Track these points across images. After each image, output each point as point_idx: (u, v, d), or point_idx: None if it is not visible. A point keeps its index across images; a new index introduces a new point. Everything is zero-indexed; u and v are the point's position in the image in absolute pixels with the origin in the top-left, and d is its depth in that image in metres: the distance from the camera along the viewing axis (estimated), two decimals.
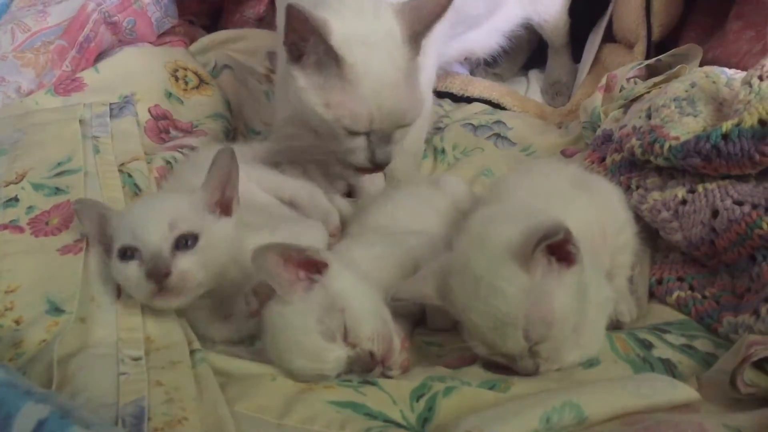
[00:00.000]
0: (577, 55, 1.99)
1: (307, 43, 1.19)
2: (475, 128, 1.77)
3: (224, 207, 1.07)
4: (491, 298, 0.89)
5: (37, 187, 1.17)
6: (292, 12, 1.14)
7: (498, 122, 1.77)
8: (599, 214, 1.13)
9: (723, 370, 0.90)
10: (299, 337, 0.94)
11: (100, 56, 1.69)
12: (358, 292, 0.97)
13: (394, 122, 1.24)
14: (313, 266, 0.97)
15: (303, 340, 0.94)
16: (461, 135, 1.75)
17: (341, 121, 1.21)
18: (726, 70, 1.41)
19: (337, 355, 0.94)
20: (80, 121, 1.35)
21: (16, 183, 1.18)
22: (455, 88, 1.89)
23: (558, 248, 0.89)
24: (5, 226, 1.09)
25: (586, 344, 0.98)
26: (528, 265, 0.88)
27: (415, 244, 1.14)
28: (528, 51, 2.08)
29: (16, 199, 1.15)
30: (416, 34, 1.24)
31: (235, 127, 1.73)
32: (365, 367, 0.95)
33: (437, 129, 1.78)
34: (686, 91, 1.32)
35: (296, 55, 1.22)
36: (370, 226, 1.24)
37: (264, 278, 0.96)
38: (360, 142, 1.24)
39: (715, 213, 1.10)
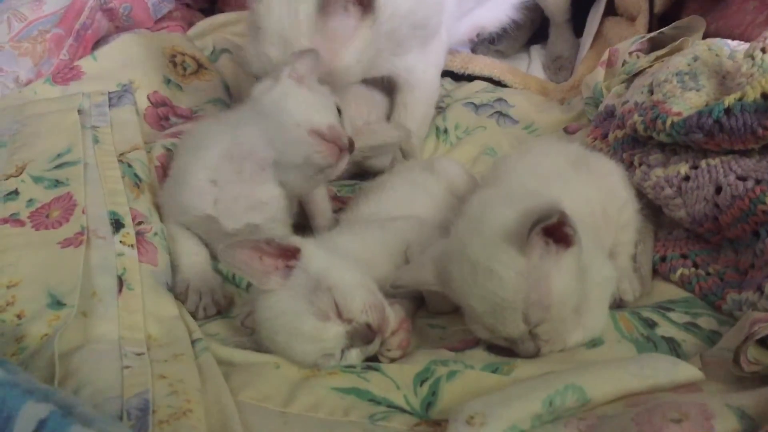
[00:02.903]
0: (578, 29, 1.97)
1: None
2: (476, 107, 1.76)
3: None
4: (489, 283, 0.89)
5: (37, 179, 1.17)
6: None
7: (499, 100, 1.76)
8: (600, 192, 1.13)
9: (727, 348, 0.89)
10: (294, 322, 0.94)
11: (98, 43, 1.69)
12: (338, 268, 0.98)
13: None
14: (287, 253, 0.97)
15: (299, 325, 0.94)
16: (463, 114, 1.74)
17: (246, 65, 1.29)
18: (729, 42, 1.39)
19: (335, 331, 0.94)
20: (79, 111, 1.35)
21: (16, 176, 1.18)
22: (456, 66, 1.88)
23: (554, 230, 0.89)
24: (6, 220, 1.09)
25: (589, 324, 0.98)
26: (524, 249, 0.88)
27: (403, 227, 1.15)
28: (531, 29, 2.05)
29: (16, 192, 1.15)
30: None
31: None
32: (365, 339, 0.96)
33: (439, 109, 1.77)
34: (688, 65, 1.30)
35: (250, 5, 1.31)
36: (363, 212, 1.24)
37: (237, 273, 0.99)
38: None
39: (718, 189, 1.09)
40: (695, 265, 1.11)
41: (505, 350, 0.96)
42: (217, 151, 1.16)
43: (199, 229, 1.20)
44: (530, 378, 0.86)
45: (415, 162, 1.40)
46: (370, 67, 1.38)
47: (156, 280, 1.10)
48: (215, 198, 1.15)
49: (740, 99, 1.07)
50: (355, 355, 0.96)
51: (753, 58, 1.16)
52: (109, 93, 1.45)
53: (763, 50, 1.15)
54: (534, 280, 0.89)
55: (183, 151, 1.25)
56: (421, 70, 1.57)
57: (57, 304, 0.96)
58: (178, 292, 1.11)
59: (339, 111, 1.16)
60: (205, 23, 1.91)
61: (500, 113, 1.72)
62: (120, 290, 1.03)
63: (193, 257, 1.18)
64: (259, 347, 1.00)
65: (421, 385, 0.90)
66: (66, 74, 1.54)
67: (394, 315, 1.00)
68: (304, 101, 1.14)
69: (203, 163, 1.16)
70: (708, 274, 1.09)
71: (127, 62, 1.60)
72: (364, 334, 0.95)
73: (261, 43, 1.28)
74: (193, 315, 1.09)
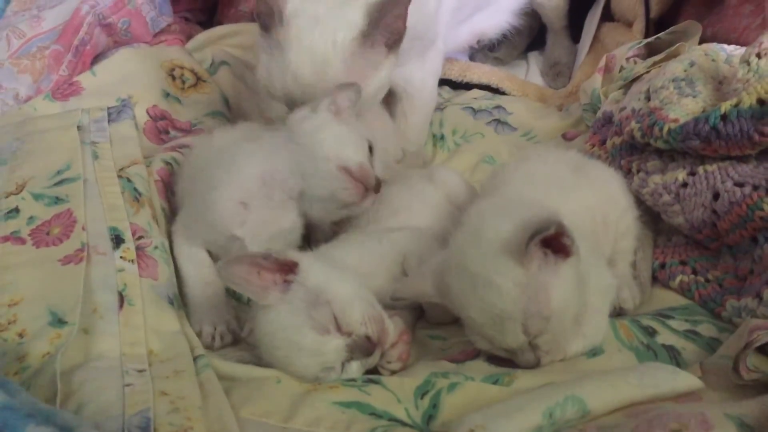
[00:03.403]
0: (576, 35, 1.97)
1: (272, 13, 1.26)
2: (474, 111, 1.76)
3: None
4: (488, 294, 0.89)
5: (37, 197, 1.17)
6: None
7: (498, 107, 1.76)
8: (599, 200, 1.13)
9: (726, 356, 0.90)
10: (294, 337, 0.95)
11: (97, 58, 1.69)
12: (336, 281, 0.99)
13: (309, 98, 1.26)
14: (285, 268, 0.98)
15: (299, 339, 0.95)
16: (460, 118, 1.74)
17: (262, 82, 1.28)
18: (725, 46, 1.39)
19: (335, 344, 0.95)
20: (78, 127, 1.35)
21: (17, 194, 1.18)
22: (454, 74, 1.88)
23: (552, 241, 0.89)
24: (7, 238, 1.09)
25: (589, 333, 0.99)
26: (523, 260, 0.88)
27: (400, 238, 1.15)
28: (529, 36, 2.06)
29: (16, 210, 1.15)
30: (379, 34, 1.26)
31: (234, 124, 1.73)
32: (365, 351, 0.96)
33: (435, 111, 1.76)
34: (685, 71, 1.31)
35: (265, 26, 1.28)
36: (362, 223, 1.24)
37: (235, 288, 0.99)
38: (278, 108, 1.30)
39: (716, 195, 1.09)
40: (694, 272, 1.11)
41: (506, 361, 0.96)
42: (251, 173, 1.15)
43: (218, 249, 1.19)
44: (530, 389, 0.86)
45: (414, 172, 1.40)
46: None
47: (157, 294, 1.10)
48: (244, 220, 1.14)
49: (736, 105, 1.07)
50: (355, 368, 0.97)
51: (748, 63, 1.16)
52: (108, 108, 1.45)
53: (758, 55, 1.15)
54: (533, 291, 0.89)
55: (207, 166, 1.22)
56: (419, 79, 1.58)
57: (58, 322, 0.96)
58: (196, 330, 1.10)
59: (371, 149, 1.17)
60: (203, 36, 1.92)
61: (498, 121, 1.72)
62: (121, 306, 1.03)
63: (208, 288, 1.16)
64: (260, 361, 1.00)
65: (421, 398, 0.91)
66: (65, 90, 1.54)
67: (393, 327, 1.00)
68: (338, 136, 1.14)
69: (237, 183, 1.15)
70: (707, 280, 1.09)
71: (126, 77, 1.60)
72: (363, 347, 0.96)
73: (288, 65, 1.26)
74: (209, 347, 1.08)
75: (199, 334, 1.09)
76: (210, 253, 1.20)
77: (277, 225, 1.17)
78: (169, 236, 1.23)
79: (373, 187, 1.13)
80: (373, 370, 1.00)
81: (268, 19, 1.27)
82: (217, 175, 1.17)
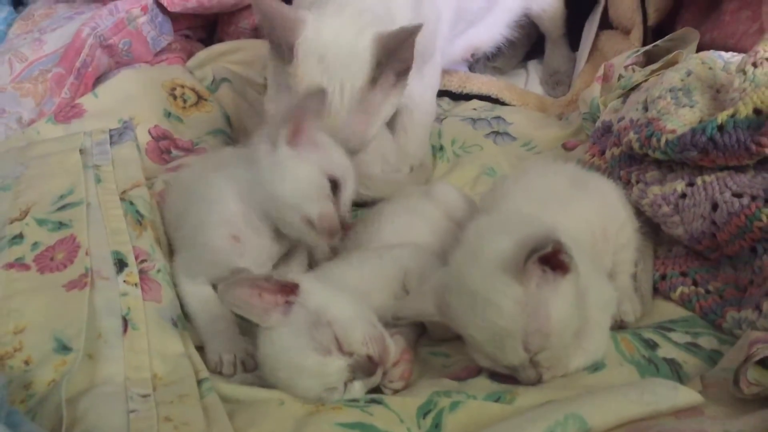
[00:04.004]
0: (574, 43, 1.98)
1: (281, 47, 1.22)
2: (474, 121, 1.76)
3: None
4: (487, 313, 0.89)
5: (41, 222, 1.18)
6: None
7: (497, 118, 1.76)
8: (598, 213, 1.13)
9: (727, 369, 0.90)
10: (296, 358, 0.95)
11: (98, 80, 1.71)
12: (336, 302, 0.99)
13: None
14: (286, 289, 0.98)
15: (301, 361, 0.95)
16: (459, 129, 1.75)
17: (270, 112, 1.27)
18: (723, 53, 1.40)
19: (337, 365, 0.95)
20: (81, 150, 1.36)
21: (21, 219, 1.19)
22: (453, 85, 1.89)
23: (551, 258, 0.89)
24: (11, 265, 1.10)
25: (590, 348, 0.99)
26: (521, 278, 0.89)
27: (400, 255, 1.16)
28: (527, 45, 2.07)
29: (21, 236, 1.15)
30: (389, 66, 1.24)
31: (236, 140, 1.74)
32: (367, 371, 0.97)
33: (435, 122, 1.76)
34: (682, 80, 1.31)
35: (277, 54, 1.26)
36: (362, 240, 1.25)
37: (237, 311, 0.99)
38: None
39: (714, 206, 1.09)
40: (695, 283, 1.11)
41: (509, 377, 0.97)
42: (232, 210, 1.15)
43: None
44: (531, 409, 0.87)
45: (413, 189, 1.40)
46: None
47: (161, 317, 1.10)
48: (241, 252, 1.15)
49: (733, 115, 1.08)
50: (358, 388, 0.97)
51: (745, 72, 1.16)
52: (110, 130, 1.46)
53: (754, 65, 1.16)
54: (532, 308, 0.89)
55: (189, 205, 1.21)
56: (418, 94, 1.59)
57: (63, 348, 0.97)
58: (215, 359, 1.09)
59: (336, 184, 1.13)
60: (203, 53, 1.93)
61: (497, 132, 1.73)
62: (125, 330, 1.03)
63: (220, 322, 1.14)
64: (263, 383, 1.01)
65: (424, 418, 0.91)
66: (68, 112, 1.56)
67: (395, 346, 1.01)
68: (298, 181, 1.10)
69: (223, 220, 1.15)
70: (708, 292, 1.09)
71: (127, 97, 1.62)
72: (365, 367, 0.96)
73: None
74: (230, 374, 1.08)
75: (218, 364, 1.08)
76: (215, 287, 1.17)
77: (275, 250, 1.17)
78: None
79: (338, 231, 1.12)
80: (376, 390, 1.00)
81: (278, 51, 1.24)
82: (201, 214, 1.17)
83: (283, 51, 1.23)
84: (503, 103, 1.86)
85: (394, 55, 1.23)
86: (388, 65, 1.24)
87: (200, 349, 1.12)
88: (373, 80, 1.24)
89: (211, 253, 1.15)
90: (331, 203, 1.11)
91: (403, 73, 1.28)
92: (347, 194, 1.15)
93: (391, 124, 1.65)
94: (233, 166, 1.17)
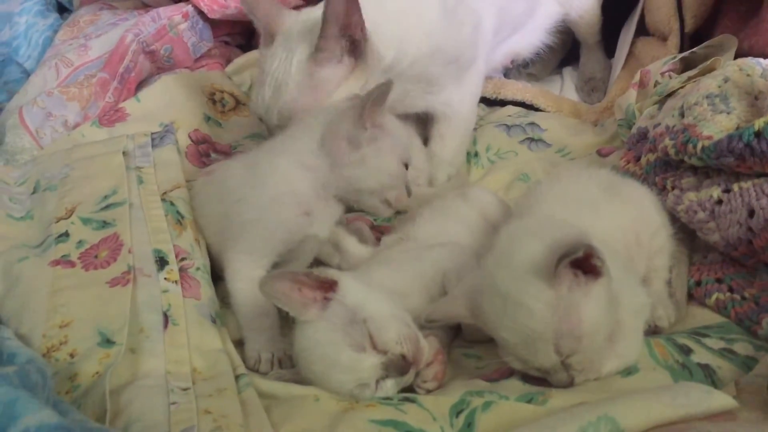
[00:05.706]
0: (610, 50, 1.98)
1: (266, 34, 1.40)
2: (508, 128, 1.76)
3: None
4: (519, 316, 0.90)
5: (85, 221, 1.22)
6: None
7: (531, 124, 1.76)
8: (632, 218, 1.14)
9: (762, 375, 0.89)
10: (331, 353, 0.98)
11: (141, 85, 1.75)
12: (373, 300, 1.01)
13: (277, 121, 1.36)
14: (325, 285, 1.01)
15: (335, 356, 0.97)
16: (494, 135, 1.75)
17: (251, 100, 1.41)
18: (761, 60, 1.38)
19: (370, 362, 0.97)
20: (124, 152, 1.40)
21: (66, 218, 1.23)
22: (488, 92, 1.89)
23: (582, 262, 0.90)
24: (58, 262, 1.15)
25: (624, 352, 0.99)
26: (553, 282, 0.90)
27: (438, 256, 1.17)
28: (563, 52, 2.06)
29: (66, 235, 1.20)
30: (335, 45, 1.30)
31: None
32: (399, 369, 0.98)
33: None
34: (719, 87, 1.30)
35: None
36: (402, 238, 1.26)
37: (276, 303, 1.02)
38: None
39: (751, 212, 1.09)
40: (730, 290, 1.11)
41: (540, 380, 0.97)
42: (302, 190, 1.21)
43: (290, 254, 1.24)
44: (563, 409, 0.87)
45: (448, 192, 1.42)
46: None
47: (200, 314, 1.13)
48: (311, 222, 1.22)
49: None
50: (390, 386, 0.99)
51: None
52: (152, 134, 1.50)
53: None
54: (564, 311, 0.90)
55: (251, 186, 1.25)
56: (457, 102, 1.59)
57: (107, 342, 1.01)
58: (254, 356, 1.13)
59: (407, 165, 1.26)
60: (241, 59, 1.97)
61: (532, 139, 1.73)
62: (165, 326, 1.07)
63: (265, 320, 1.17)
64: (299, 379, 1.03)
65: (457, 417, 0.92)
66: (111, 116, 1.61)
67: (428, 347, 1.02)
68: (381, 176, 1.21)
69: (293, 200, 1.20)
70: (743, 298, 1.08)
71: (168, 102, 1.66)
72: (398, 365, 0.98)
73: (260, 86, 1.37)
74: (266, 372, 1.11)
75: (257, 361, 1.12)
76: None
77: (338, 212, 1.26)
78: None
79: (407, 202, 1.26)
80: (409, 389, 1.02)
81: (265, 40, 1.39)
82: (271, 195, 1.20)
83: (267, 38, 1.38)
84: (538, 110, 1.86)
85: (335, 30, 1.28)
86: (334, 43, 1.29)
87: (237, 345, 1.14)
88: (320, 52, 1.30)
89: (284, 230, 1.20)
90: (404, 184, 1.24)
91: (359, 54, 1.33)
92: (410, 168, 1.27)
93: (425, 131, 1.67)
94: (298, 153, 1.23)
